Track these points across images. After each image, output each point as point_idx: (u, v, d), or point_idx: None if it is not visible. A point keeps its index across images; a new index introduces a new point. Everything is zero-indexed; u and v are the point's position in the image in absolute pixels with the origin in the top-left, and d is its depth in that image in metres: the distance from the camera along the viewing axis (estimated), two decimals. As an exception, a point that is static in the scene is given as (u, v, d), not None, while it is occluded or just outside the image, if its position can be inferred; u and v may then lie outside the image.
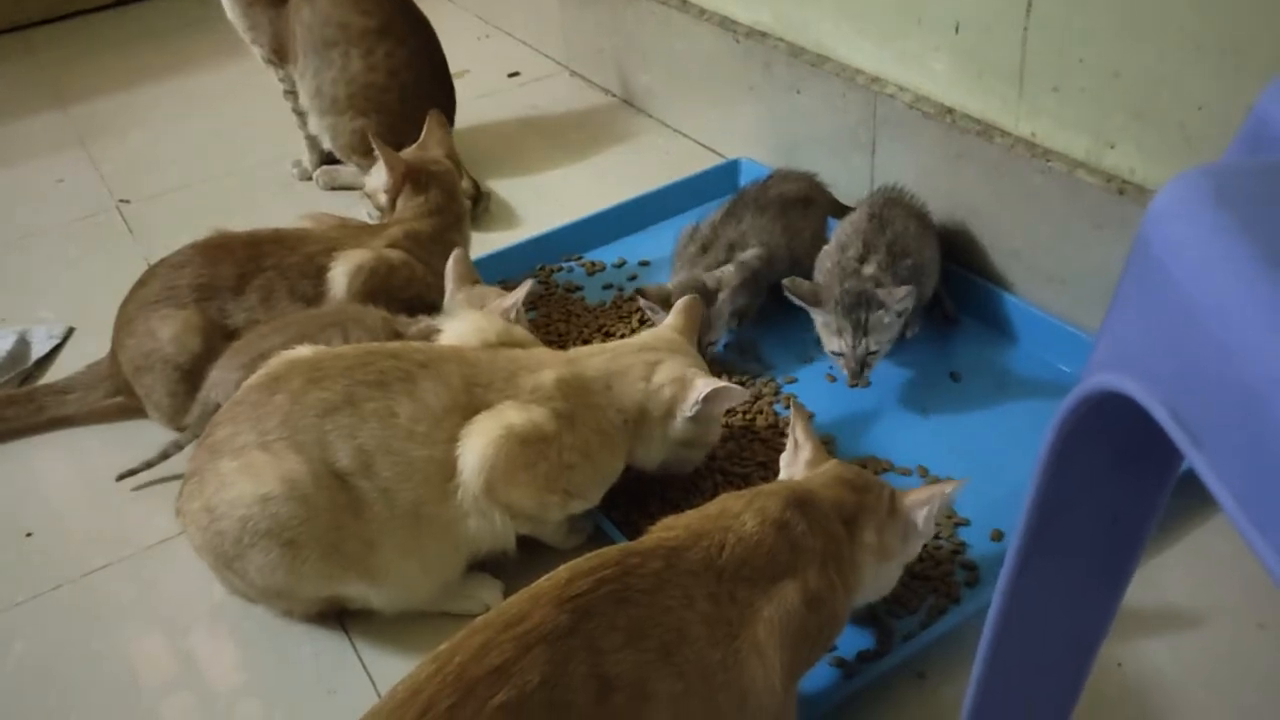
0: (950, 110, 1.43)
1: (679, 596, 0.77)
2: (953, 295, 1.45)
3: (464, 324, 1.18)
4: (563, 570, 0.76)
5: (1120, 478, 0.53)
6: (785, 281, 1.30)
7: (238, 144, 2.10)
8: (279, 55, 1.81)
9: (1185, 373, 0.38)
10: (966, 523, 1.15)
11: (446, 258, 1.36)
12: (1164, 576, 1.07)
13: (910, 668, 1.01)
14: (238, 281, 1.31)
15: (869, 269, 1.31)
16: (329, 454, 1.00)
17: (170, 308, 1.29)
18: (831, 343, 1.29)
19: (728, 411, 1.30)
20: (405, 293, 1.30)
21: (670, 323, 1.23)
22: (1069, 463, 0.52)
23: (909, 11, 1.43)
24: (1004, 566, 0.58)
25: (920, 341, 1.41)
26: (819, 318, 1.29)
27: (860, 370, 1.28)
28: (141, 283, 1.34)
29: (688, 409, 1.12)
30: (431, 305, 1.35)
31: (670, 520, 0.86)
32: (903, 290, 1.25)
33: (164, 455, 1.26)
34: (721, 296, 1.35)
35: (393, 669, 1.04)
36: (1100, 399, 0.46)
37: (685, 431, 1.14)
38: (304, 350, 1.09)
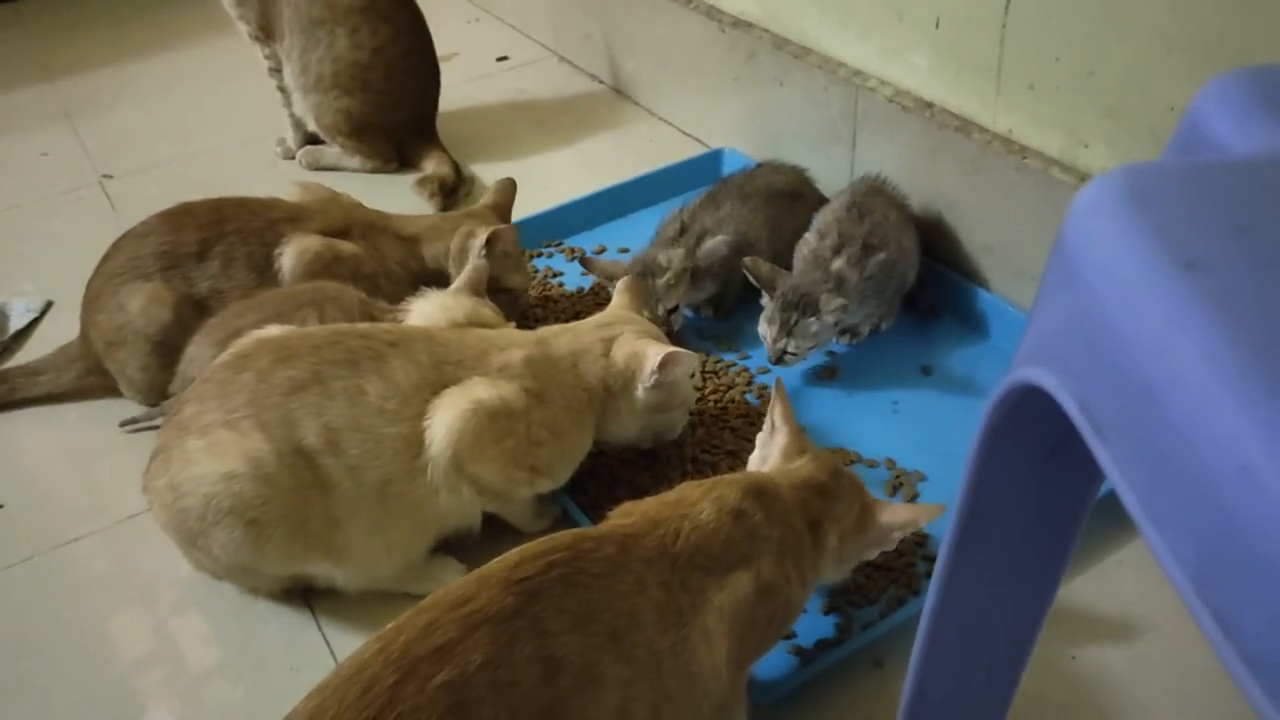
0: (930, 105, 1.44)
1: (631, 582, 0.77)
2: (931, 289, 1.45)
3: (430, 304, 1.18)
4: (513, 553, 0.77)
5: (1052, 470, 0.54)
6: (746, 260, 1.34)
7: (222, 121, 2.10)
8: (265, 32, 1.81)
9: (1094, 368, 0.39)
10: (931, 515, 1.16)
11: (407, 264, 1.39)
12: (1120, 572, 1.08)
13: (868, 656, 1.03)
14: (201, 247, 1.31)
15: (838, 263, 1.32)
16: (295, 432, 1.01)
17: (136, 280, 1.30)
18: (761, 325, 1.33)
19: (699, 399, 1.32)
20: (350, 284, 1.29)
21: (616, 302, 1.25)
22: (999, 454, 0.53)
23: (891, 6, 1.44)
24: (939, 555, 0.59)
25: (894, 334, 1.42)
26: (764, 300, 1.33)
27: (778, 360, 1.32)
28: (107, 257, 1.34)
29: (647, 380, 1.13)
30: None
31: (628, 506, 0.87)
32: (836, 301, 1.28)
33: (161, 413, 1.28)
34: (667, 275, 1.37)
35: (356, 648, 1.05)
36: (1028, 392, 0.47)
37: (651, 399, 1.15)
38: (273, 329, 1.10)
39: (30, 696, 1.05)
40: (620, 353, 1.14)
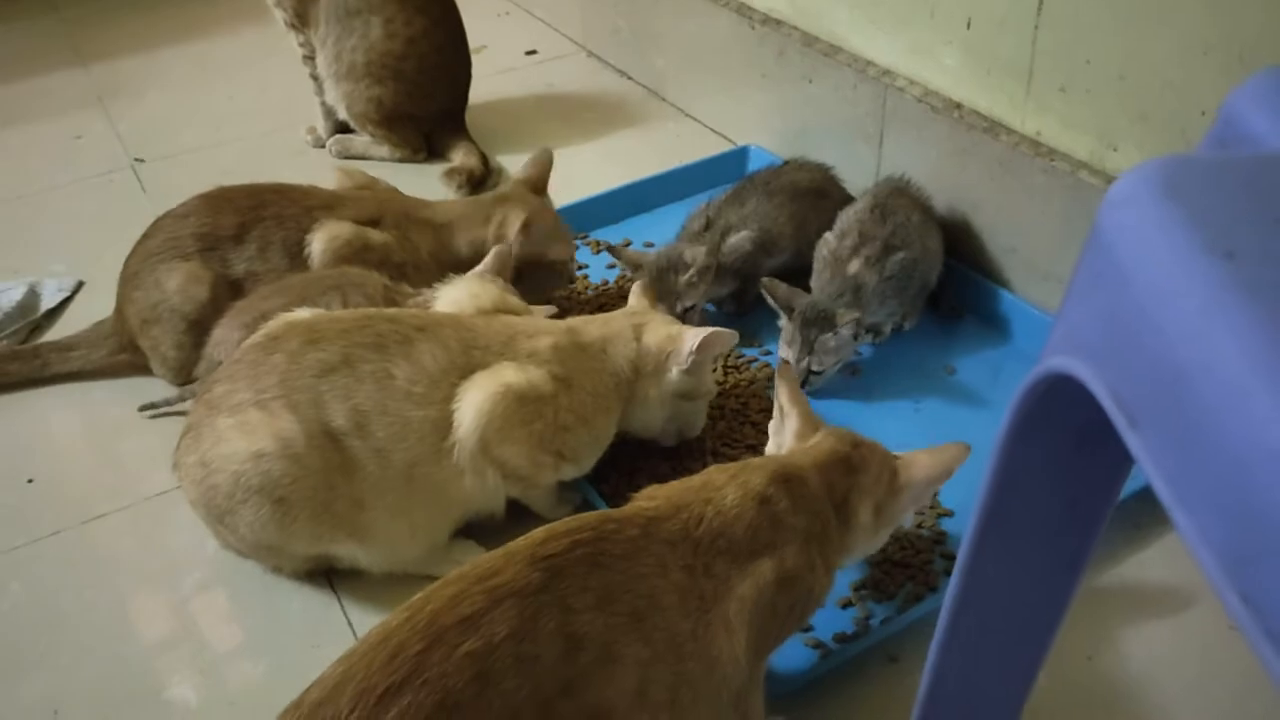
0: (958, 105, 1.44)
1: (653, 565, 0.78)
2: (954, 290, 1.46)
3: (458, 290, 1.20)
4: (539, 530, 0.78)
5: (1078, 461, 0.55)
6: (764, 281, 1.34)
7: (254, 108, 2.12)
8: (301, 20, 1.82)
9: (1126, 356, 0.40)
10: (950, 514, 1.17)
11: (439, 254, 1.39)
12: (1141, 573, 1.09)
13: (884, 651, 1.03)
14: (238, 230, 1.33)
15: (854, 265, 1.33)
16: (324, 414, 1.02)
17: (175, 259, 1.32)
18: (782, 349, 1.32)
19: (721, 394, 1.32)
20: (379, 271, 1.30)
21: (633, 305, 1.25)
22: (1026, 445, 0.53)
23: (922, 4, 1.44)
24: (962, 546, 0.59)
25: (916, 335, 1.42)
26: (782, 322, 1.32)
27: (804, 381, 1.31)
28: (146, 236, 1.36)
29: (683, 360, 1.15)
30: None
31: (653, 489, 0.87)
32: (850, 315, 1.27)
33: (181, 399, 1.31)
34: (690, 273, 1.38)
35: (378, 626, 1.06)
36: (1057, 382, 0.48)
37: (680, 384, 1.17)
38: (303, 312, 1.11)
39: (54, 669, 1.06)
40: (653, 336, 1.16)
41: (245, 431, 1.02)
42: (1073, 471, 0.55)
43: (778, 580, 0.82)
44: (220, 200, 1.35)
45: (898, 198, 1.41)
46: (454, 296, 1.19)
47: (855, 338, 1.30)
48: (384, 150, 1.89)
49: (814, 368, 1.30)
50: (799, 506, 0.87)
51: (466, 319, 1.13)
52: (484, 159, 1.84)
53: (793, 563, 0.83)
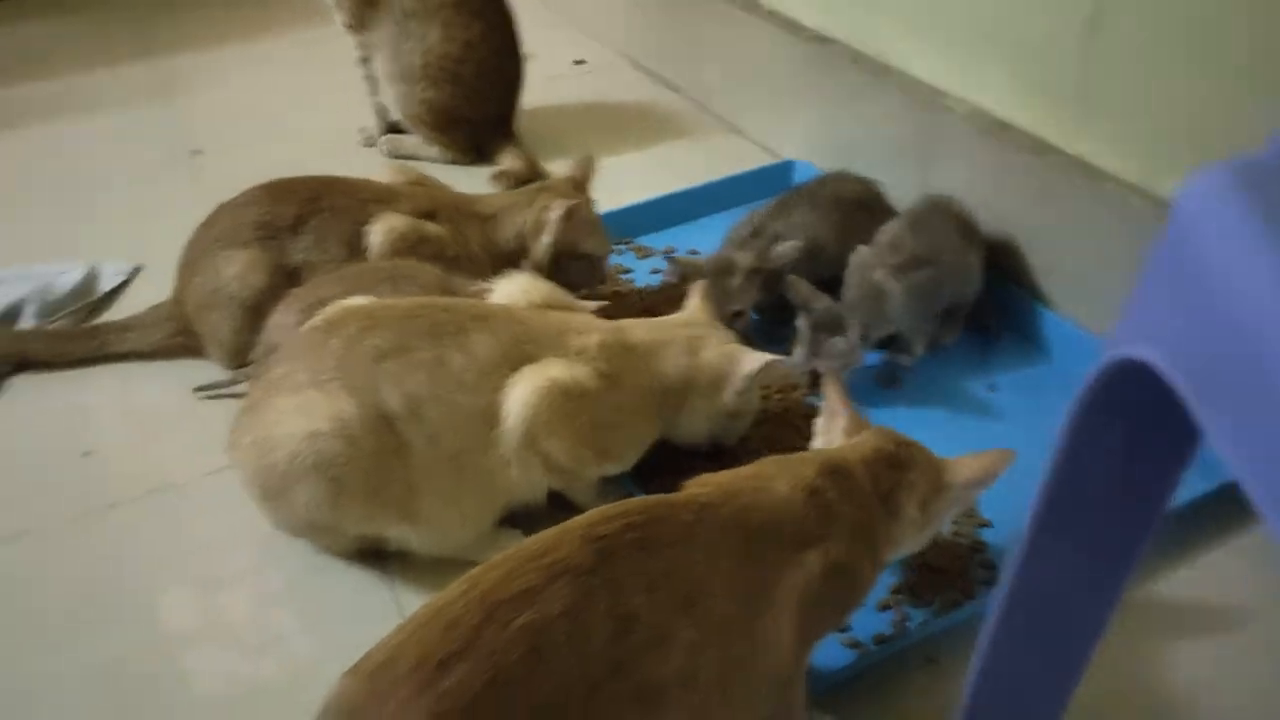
0: (1006, 126, 1.45)
1: (704, 551, 0.79)
2: (995, 309, 1.47)
3: (513, 284, 1.23)
4: (592, 512, 0.79)
5: (1138, 455, 0.56)
6: (789, 278, 1.36)
7: (308, 106, 2.17)
8: (359, 21, 1.87)
9: (1203, 346, 0.42)
10: (988, 524, 1.18)
11: (489, 247, 1.43)
12: (1188, 590, 1.09)
13: (921, 653, 1.04)
14: (296, 221, 1.36)
15: (879, 274, 1.34)
16: (379, 398, 1.05)
17: (234, 247, 1.35)
18: (794, 348, 1.33)
19: (764, 398, 1.34)
20: (434, 264, 1.33)
21: (692, 305, 1.27)
22: (1089, 436, 0.55)
23: (972, 25, 1.46)
24: (1023, 538, 0.61)
25: (958, 351, 1.43)
26: (799, 323, 1.33)
27: (811, 384, 1.34)
28: (207, 224, 1.40)
29: (740, 385, 1.16)
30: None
31: (705, 477, 0.89)
32: (858, 330, 1.29)
33: (234, 381, 1.34)
34: (738, 276, 1.40)
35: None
36: (1122, 373, 0.49)
37: (736, 404, 1.19)
38: (360, 299, 1.14)
39: (106, 639, 1.08)
40: (710, 354, 1.18)
41: (302, 411, 1.05)
42: (1132, 466, 0.57)
43: (825, 570, 0.83)
44: (280, 190, 1.39)
45: (937, 215, 1.43)
46: (508, 290, 1.22)
47: (864, 339, 1.30)
48: (434, 151, 1.93)
49: (820, 370, 1.30)
50: (847, 498, 0.88)
51: (520, 312, 1.15)
52: (532, 163, 1.88)
53: (841, 554, 0.85)
